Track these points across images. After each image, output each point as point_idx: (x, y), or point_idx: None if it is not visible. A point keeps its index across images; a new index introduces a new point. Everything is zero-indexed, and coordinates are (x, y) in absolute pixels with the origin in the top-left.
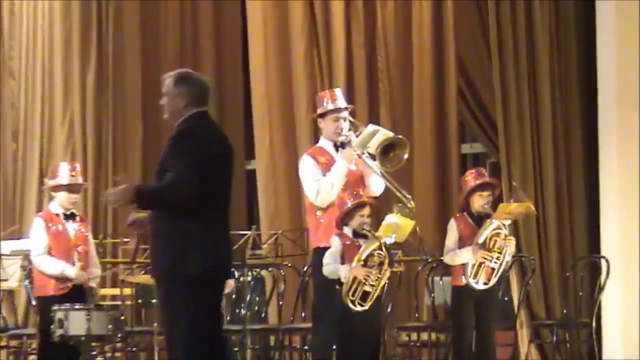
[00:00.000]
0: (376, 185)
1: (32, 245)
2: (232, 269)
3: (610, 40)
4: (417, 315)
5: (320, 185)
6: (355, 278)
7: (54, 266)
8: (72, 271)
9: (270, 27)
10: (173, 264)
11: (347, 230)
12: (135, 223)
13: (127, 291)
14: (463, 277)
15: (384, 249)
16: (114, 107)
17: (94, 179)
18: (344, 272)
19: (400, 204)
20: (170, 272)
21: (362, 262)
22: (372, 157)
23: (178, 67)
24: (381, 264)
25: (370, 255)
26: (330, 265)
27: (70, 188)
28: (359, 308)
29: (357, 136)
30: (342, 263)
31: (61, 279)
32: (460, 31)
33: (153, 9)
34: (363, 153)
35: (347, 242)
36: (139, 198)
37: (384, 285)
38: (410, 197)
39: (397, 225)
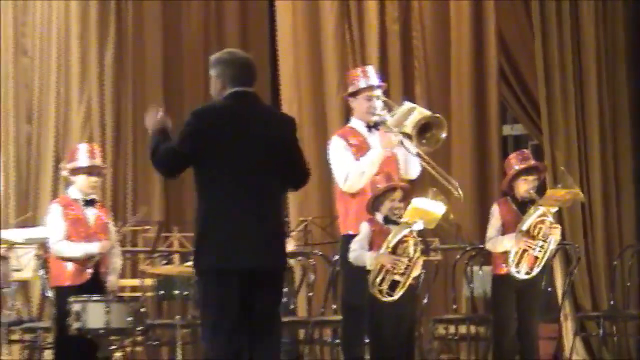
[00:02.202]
0: (412, 168)
1: (50, 233)
2: (262, 255)
3: None
4: (455, 307)
5: (350, 171)
6: (382, 266)
7: (76, 249)
8: (95, 247)
9: (299, 4)
10: (194, 255)
11: (379, 216)
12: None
13: (148, 282)
14: (504, 265)
15: (415, 235)
16: (134, 87)
17: (113, 164)
18: (369, 260)
19: (435, 189)
20: (193, 264)
21: (390, 250)
22: (407, 136)
23: (201, 44)
24: (414, 251)
25: (401, 242)
26: (356, 252)
27: (89, 170)
28: (387, 298)
29: (391, 116)
30: (371, 250)
31: (82, 264)
32: (501, 5)
33: None
34: (398, 134)
35: (377, 228)
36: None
37: (418, 275)
38: (457, 184)
39: (424, 210)
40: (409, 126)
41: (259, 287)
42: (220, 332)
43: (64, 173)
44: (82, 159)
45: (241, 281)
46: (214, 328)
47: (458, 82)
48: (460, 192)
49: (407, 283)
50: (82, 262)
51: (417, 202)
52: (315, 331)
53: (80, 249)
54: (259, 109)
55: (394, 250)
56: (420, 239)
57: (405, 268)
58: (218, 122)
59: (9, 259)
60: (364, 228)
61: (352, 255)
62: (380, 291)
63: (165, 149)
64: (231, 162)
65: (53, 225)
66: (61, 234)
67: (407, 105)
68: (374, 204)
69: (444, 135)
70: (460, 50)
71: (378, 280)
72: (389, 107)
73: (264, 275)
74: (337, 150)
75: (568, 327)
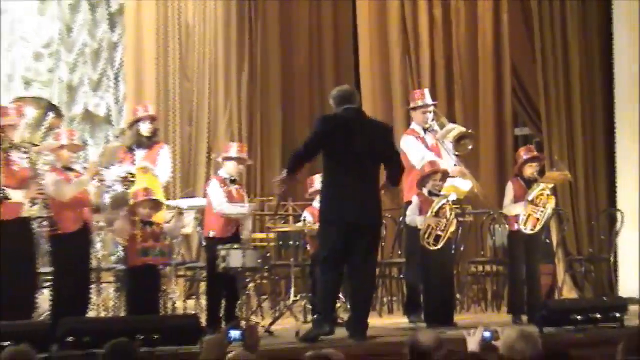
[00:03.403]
0: (450, 162)
1: (215, 198)
2: (366, 214)
3: (623, 51)
4: (482, 253)
5: (425, 154)
6: (429, 225)
7: (233, 209)
8: (246, 209)
9: (375, 43)
10: (320, 210)
11: (425, 191)
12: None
13: (271, 236)
14: (516, 224)
15: (450, 203)
16: (262, 100)
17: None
18: (419, 222)
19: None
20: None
21: (434, 214)
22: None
23: (307, 69)
24: (450, 214)
25: (441, 208)
26: (410, 217)
27: (238, 160)
28: (433, 248)
29: (439, 124)
30: (420, 215)
31: (228, 223)
32: (514, 45)
33: (287, 30)
34: (443, 142)
35: (424, 199)
36: (290, 163)
37: (455, 231)
38: (469, 173)
39: (456, 187)
40: (450, 137)
41: (362, 233)
42: (325, 257)
43: (219, 159)
44: (234, 152)
45: (346, 227)
46: (325, 255)
47: (484, 98)
48: (475, 183)
49: (447, 236)
50: (229, 221)
51: (451, 181)
52: (386, 269)
53: (236, 209)
54: (363, 117)
55: (436, 214)
56: (456, 206)
57: (445, 226)
58: (337, 124)
59: (183, 217)
60: (415, 199)
61: (408, 220)
62: (428, 243)
63: (302, 150)
64: (346, 151)
65: (217, 193)
66: (224, 198)
67: (452, 125)
68: (422, 182)
69: (471, 147)
70: (485, 76)
71: (426, 235)
72: (437, 117)
73: (364, 227)
74: (412, 143)
75: (560, 267)
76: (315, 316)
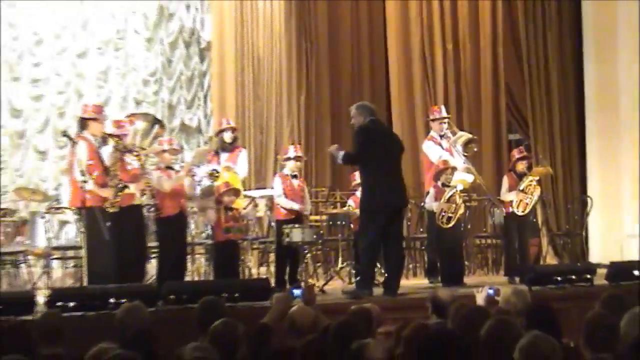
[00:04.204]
0: (459, 161)
1: (275, 192)
2: (399, 200)
3: (591, 74)
4: (484, 229)
5: (442, 154)
6: (442, 209)
7: (287, 204)
8: (296, 206)
9: (402, 69)
10: (361, 199)
11: (439, 182)
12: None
13: (324, 217)
14: (510, 208)
15: (459, 192)
16: (315, 113)
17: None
18: (435, 206)
19: (468, 167)
20: (360, 205)
21: (446, 200)
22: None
23: (350, 90)
24: (459, 200)
25: (451, 196)
26: (428, 203)
27: (296, 159)
28: (445, 226)
29: (451, 132)
30: (436, 201)
31: (289, 210)
32: (507, 70)
33: (334, 61)
34: (455, 146)
35: (438, 189)
36: (343, 158)
37: (463, 213)
38: (473, 168)
39: (462, 179)
40: (460, 142)
41: (394, 215)
42: (373, 237)
43: (282, 162)
44: (291, 152)
45: (386, 213)
46: (372, 235)
47: (485, 111)
48: (478, 176)
49: (456, 217)
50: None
51: (458, 174)
52: (411, 242)
53: (289, 205)
54: (386, 127)
55: (448, 200)
56: (464, 194)
57: (455, 210)
58: (372, 133)
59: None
60: (431, 190)
61: (427, 205)
62: (442, 222)
63: (353, 156)
64: (380, 153)
65: (277, 188)
66: (281, 192)
67: (461, 133)
68: (437, 176)
69: (476, 149)
70: (486, 94)
71: (440, 217)
72: (450, 126)
73: (399, 209)
74: (432, 146)
75: (544, 240)
76: (360, 281)
